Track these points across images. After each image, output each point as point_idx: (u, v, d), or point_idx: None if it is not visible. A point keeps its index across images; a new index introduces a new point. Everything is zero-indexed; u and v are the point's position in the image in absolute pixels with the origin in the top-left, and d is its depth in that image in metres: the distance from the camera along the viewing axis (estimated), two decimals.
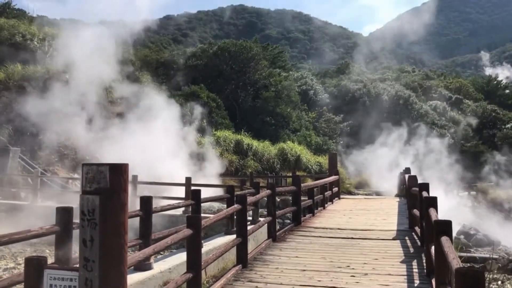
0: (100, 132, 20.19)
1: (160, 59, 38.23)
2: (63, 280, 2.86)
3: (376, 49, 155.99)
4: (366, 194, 25.04)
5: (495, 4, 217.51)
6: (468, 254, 12.92)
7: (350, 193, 25.46)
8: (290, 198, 13.05)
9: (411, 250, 8.16)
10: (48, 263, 3.40)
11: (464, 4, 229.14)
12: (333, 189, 17.13)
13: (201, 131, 26.32)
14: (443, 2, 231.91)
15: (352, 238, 9.27)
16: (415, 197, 9.40)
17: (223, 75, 36.58)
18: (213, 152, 23.49)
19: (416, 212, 8.95)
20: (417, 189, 8.73)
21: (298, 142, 32.27)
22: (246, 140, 28.02)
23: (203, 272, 5.68)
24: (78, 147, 21.09)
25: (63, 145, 21.19)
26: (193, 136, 24.18)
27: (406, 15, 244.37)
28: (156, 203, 8.95)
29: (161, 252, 7.86)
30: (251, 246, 8.06)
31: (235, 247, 6.88)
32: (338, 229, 10.38)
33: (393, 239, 9.22)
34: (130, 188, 9.11)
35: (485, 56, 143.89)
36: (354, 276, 6.31)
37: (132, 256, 3.87)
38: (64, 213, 5.15)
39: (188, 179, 14.71)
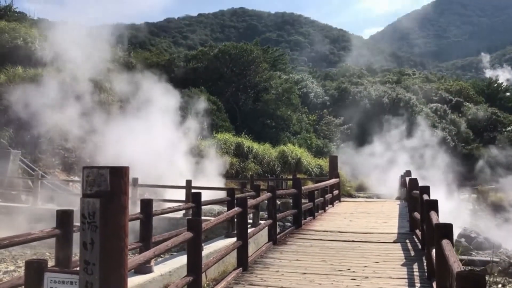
0: (99, 131, 20.20)
1: (161, 61, 38.28)
2: (63, 283, 2.86)
3: (377, 52, 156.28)
4: (366, 197, 25.01)
5: (495, 7, 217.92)
6: (469, 257, 12.89)
7: (350, 196, 25.43)
8: (291, 201, 13.03)
9: (412, 253, 8.15)
10: (49, 266, 3.40)
11: (465, 7, 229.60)
12: (334, 192, 17.11)
13: (202, 133, 26.34)
14: (444, 5, 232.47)
15: (353, 241, 9.26)
16: (415, 200, 9.39)
17: (223, 78, 36.62)
18: (214, 153, 23.49)
19: (417, 215, 8.93)
20: (417, 192, 8.72)
21: (298, 145, 32.28)
22: (247, 142, 28.03)
23: (203, 275, 5.67)
24: (79, 149, 21.12)
25: (64, 147, 21.21)
26: (194, 138, 24.18)
27: (406, 18, 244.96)
28: (157, 206, 8.95)
29: (162, 255, 7.86)
30: (251, 249, 8.05)
31: (235, 250, 6.87)
32: (339, 232, 10.37)
33: (394, 242, 9.20)
34: (130, 190, 9.11)
35: (485, 57, 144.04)
36: (354, 279, 6.30)
37: (133, 259, 3.87)
38: (64, 216, 5.14)
39: (188, 182, 14.71)
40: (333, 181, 17.17)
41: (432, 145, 35.33)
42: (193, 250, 5.17)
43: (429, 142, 36.00)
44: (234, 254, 7.07)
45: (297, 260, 7.55)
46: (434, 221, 5.26)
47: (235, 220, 8.00)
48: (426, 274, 6.46)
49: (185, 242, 5.11)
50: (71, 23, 23.15)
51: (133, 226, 6.94)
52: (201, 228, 5.22)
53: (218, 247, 8.93)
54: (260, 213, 11.65)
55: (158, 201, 13.18)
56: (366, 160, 32.20)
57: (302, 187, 11.67)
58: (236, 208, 7.17)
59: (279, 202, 15.64)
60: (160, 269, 7.17)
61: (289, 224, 14.10)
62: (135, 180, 14.95)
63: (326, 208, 14.96)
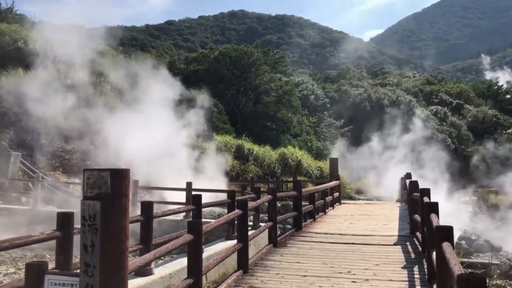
0: (99, 130, 20.20)
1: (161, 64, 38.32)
2: (63, 285, 2.86)
3: (377, 54, 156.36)
4: (367, 199, 25.01)
5: (495, 9, 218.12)
6: (470, 260, 12.87)
7: (351, 198, 25.43)
8: (291, 203, 13.04)
9: (413, 255, 8.14)
10: (49, 268, 3.40)
11: (465, 9, 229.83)
12: (334, 194, 17.11)
13: (202, 135, 26.34)
14: (444, 7, 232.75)
15: (353, 243, 9.25)
16: (416, 202, 9.38)
17: (224, 80, 36.65)
18: (215, 153, 23.49)
19: (417, 217, 8.93)
20: (418, 194, 8.72)
21: (299, 147, 32.27)
22: (247, 145, 28.04)
23: (203, 277, 5.67)
24: (79, 151, 21.13)
25: (64, 149, 21.22)
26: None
27: (406, 20, 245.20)
28: (157, 208, 8.95)
29: (162, 257, 7.85)
30: (252, 252, 8.04)
31: (236, 253, 6.87)
32: (339, 234, 10.36)
33: (394, 244, 9.20)
34: (130, 192, 9.10)
35: (485, 59, 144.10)
36: (355, 282, 6.29)
37: (133, 262, 3.87)
38: (65, 218, 5.14)
39: (188, 184, 14.70)
40: (333, 183, 17.18)
41: (432, 148, 35.33)
42: (193, 252, 5.17)
43: (429, 144, 36.01)
44: (234, 256, 7.07)
45: (297, 262, 7.55)
46: (435, 223, 5.25)
47: (236, 222, 7.99)
48: (426, 276, 6.45)
49: (185, 244, 5.11)
50: (72, 25, 23.16)
51: (134, 228, 6.94)
52: (202, 231, 5.22)
53: (218, 249, 8.92)
54: (261, 215, 11.65)
55: (158, 203, 13.19)
56: (367, 162, 32.20)
57: (303, 190, 11.68)
58: (236, 211, 7.17)
59: (279, 205, 15.64)
60: (161, 271, 7.16)
61: (289, 226, 14.10)
62: (136, 182, 14.96)
63: (327, 210, 14.96)
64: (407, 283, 6.27)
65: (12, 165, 18.56)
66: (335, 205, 17.09)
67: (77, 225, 3.57)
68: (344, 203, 19.38)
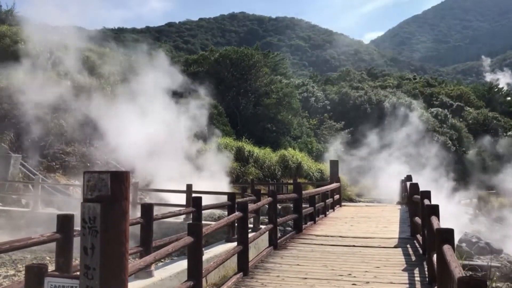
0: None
1: None
2: None
3: (377, 56, 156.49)
4: (367, 202, 24.99)
5: (495, 12, 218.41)
6: (470, 262, 12.84)
7: (351, 200, 25.41)
8: (291, 205, 13.01)
9: (413, 258, 8.13)
10: (49, 270, 3.39)
11: (465, 11, 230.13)
12: (335, 197, 17.10)
13: (203, 137, 26.35)
14: (444, 10, 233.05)
15: (354, 246, 9.24)
16: (416, 205, 9.37)
17: (224, 82, 36.67)
18: (216, 152, 23.52)
19: (417, 220, 8.91)
20: (418, 196, 8.71)
21: (299, 149, 32.27)
22: (247, 147, 28.03)
23: (204, 280, 5.66)
24: (79, 153, 21.13)
25: (65, 151, 21.23)
26: (196, 143, 24.21)
27: (407, 22, 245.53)
28: (157, 210, 8.94)
29: (162, 260, 7.84)
30: (252, 254, 8.03)
31: (236, 255, 6.86)
32: (340, 236, 10.35)
33: (395, 247, 9.18)
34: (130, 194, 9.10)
35: (486, 61, 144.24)
36: (355, 285, 6.28)
37: (133, 264, 3.86)
38: (65, 221, 5.13)
39: (189, 186, 14.68)
40: (334, 185, 17.16)
41: (433, 150, 35.32)
42: (193, 254, 5.16)
43: (430, 146, 36.01)
44: (234, 258, 7.05)
45: (297, 265, 7.53)
46: (435, 226, 5.25)
47: (236, 224, 7.98)
48: (427, 279, 6.44)
49: (185, 247, 5.10)
50: (72, 27, 23.24)
51: (134, 230, 6.93)
52: (202, 233, 5.21)
53: (218, 251, 8.91)
54: (261, 217, 11.62)
55: (158, 205, 13.19)
56: (367, 164, 32.19)
57: (303, 192, 11.66)
58: (236, 213, 7.16)
59: (279, 207, 15.61)
60: (161, 273, 7.15)
61: (289, 228, 14.06)
62: (135, 184, 14.95)
63: (327, 212, 14.95)
64: (407, 285, 6.25)
65: (12, 167, 18.57)
66: (335, 207, 17.07)
67: (77, 227, 3.57)
68: (344, 205, 19.37)
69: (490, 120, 48.32)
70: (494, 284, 10.25)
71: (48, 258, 11.20)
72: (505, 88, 69.82)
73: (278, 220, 9.51)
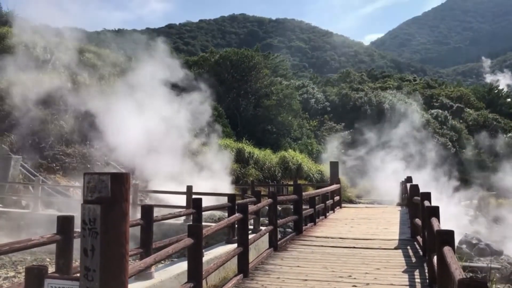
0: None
1: None
2: None
3: (377, 58, 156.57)
4: (367, 203, 24.97)
5: (495, 13, 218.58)
6: (471, 264, 12.84)
7: (351, 201, 25.39)
8: (292, 207, 13.01)
9: (413, 260, 8.12)
10: (49, 272, 3.39)
11: (465, 13, 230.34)
12: (335, 198, 17.09)
13: (204, 135, 26.32)
14: (444, 11, 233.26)
15: (354, 247, 9.23)
16: (417, 206, 9.36)
17: (224, 84, 36.69)
18: (217, 152, 23.52)
19: (418, 221, 8.91)
20: (418, 198, 8.70)
21: (299, 151, 32.28)
22: (248, 148, 28.03)
23: (204, 281, 5.65)
24: (80, 154, 21.13)
25: (65, 153, 21.23)
26: (197, 142, 24.20)
27: (407, 24, 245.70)
28: (157, 211, 8.93)
29: (162, 261, 7.83)
30: (252, 255, 8.02)
31: (236, 256, 6.85)
32: (340, 238, 10.34)
33: (395, 248, 9.18)
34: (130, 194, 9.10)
35: (486, 63, 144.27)
36: (355, 286, 6.27)
37: (133, 266, 3.86)
38: (65, 222, 5.13)
39: (189, 188, 14.67)
40: (334, 187, 17.16)
41: (433, 151, 35.32)
42: (193, 256, 5.16)
43: (430, 148, 36.01)
44: (234, 260, 7.05)
45: (298, 266, 7.53)
46: (436, 227, 5.24)
47: (236, 226, 7.98)
48: (427, 281, 6.43)
49: (185, 248, 5.10)
50: (72, 28, 23.27)
51: (134, 232, 6.92)
52: (202, 234, 5.21)
53: (218, 253, 8.90)
54: (261, 219, 11.62)
55: (158, 206, 13.18)
56: (367, 166, 32.19)
57: (303, 193, 11.65)
58: (237, 214, 7.16)
59: (280, 208, 15.61)
60: (161, 275, 7.14)
61: (290, 230, 14.06)
62: (136, 186, 14.95)
63: (327, 214, 14.94)
64: (408, 287, 6.25)
65: (12, 168, 18.57)
66: (335, 209, 17.06)
67: (77, 229, 3.56)
68: (344, 207, 19.36)
69: (490, 121, 48.33)
70: (494, 286, 10.24)
71: (48, 259, 11.19)
72: (505, 89, 69.81)
73: (278, 221, 9.51)
